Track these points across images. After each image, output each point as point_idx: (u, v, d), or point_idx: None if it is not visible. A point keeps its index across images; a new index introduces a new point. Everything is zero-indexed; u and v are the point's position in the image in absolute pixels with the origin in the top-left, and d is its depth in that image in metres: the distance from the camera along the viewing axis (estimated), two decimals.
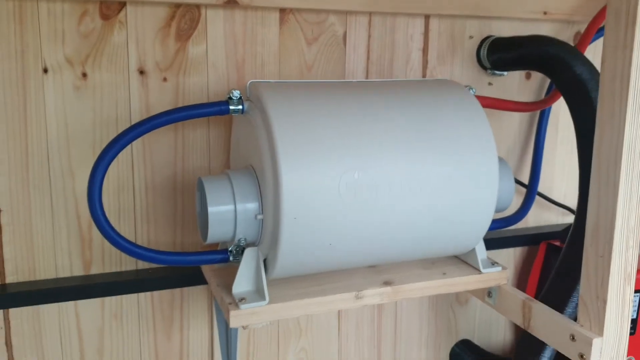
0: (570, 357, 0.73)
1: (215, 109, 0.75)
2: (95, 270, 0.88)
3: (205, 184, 0.72)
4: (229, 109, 0.75)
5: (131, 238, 0.88)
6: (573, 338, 0.72)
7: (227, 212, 0.71)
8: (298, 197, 0.67)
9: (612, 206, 0.67)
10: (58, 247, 0.85)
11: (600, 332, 0.70)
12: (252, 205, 0.72)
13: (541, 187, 1.13)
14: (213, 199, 0.71)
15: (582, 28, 1.11)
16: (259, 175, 0.72)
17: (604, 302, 0.69)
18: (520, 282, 1.17)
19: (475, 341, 1.16)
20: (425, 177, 0.74)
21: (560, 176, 1.16)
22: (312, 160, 0.69)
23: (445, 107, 0.79)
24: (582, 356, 0.71)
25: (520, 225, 1.16)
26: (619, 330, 0.70)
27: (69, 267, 0.86)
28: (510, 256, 1.16)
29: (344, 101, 0.75)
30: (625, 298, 0.70)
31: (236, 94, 0.75)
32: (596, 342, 0.69)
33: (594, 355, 0.69)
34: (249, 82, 0.76)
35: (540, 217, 1.17)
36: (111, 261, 0.88)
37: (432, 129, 0.76)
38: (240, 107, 0.75)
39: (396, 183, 0.72)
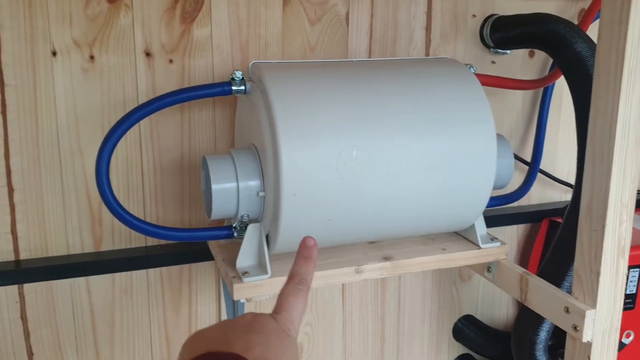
0: (564, 330, 0.75)
1: (218, 90, 0.77)
2: (105, 247, 0.91)
3: (209, 162, 0.74)
4: (231, 89, 0.77)
5: (140, 217, 0.91)
6: (567, 310, 0.74)
7: (230, 190, 0.73)
8: (297, 174, 0.69)
9: (606, 181, 0.68)
10: (69, 224, 0.88)
11: (593, 305, 0.72)
12: (254, 183, 0.74)
13: (544, 165, 1.14)
14: (217, 176, 0.73)
15: (587, 5, 1.11)
16: (261, 154, 0.74)
17: (598, 275, 0.71)
18: (523, 259, 1.19)
19: (478, 317, 1.18)
20: (423, 154, 0.75)
21: (564, 154, 1.17)
22: (311, 138, 0.71)
23: (445, 85, 0.80)
24: (575, 328, 0.72)
25: (523, 202, 1.17)
26: (613, 302, 0.72)
27: (80, 244, 0.89)
28: (514, 233, 1.18)
29: (344, 80, 0.77)
30: (619, 271, 0.71)
31: (238, 74, 0.77)
32: (589, 314, 0.71)
33: (587, 327, 0.71)
34: (251, 63, 0.78)
35: (543, 194, 1.19)
36: (121, 238, 0.91)
37: (430, 107, 0.77)
38: (242, 87, 0.77)
39: (394, 160, 0.74)
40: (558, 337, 0.95)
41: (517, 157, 1.10)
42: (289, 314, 0.50)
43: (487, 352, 1.15)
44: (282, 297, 0.52)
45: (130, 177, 0.89)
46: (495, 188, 0.88)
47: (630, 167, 0.69)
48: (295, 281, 0.53)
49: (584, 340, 0.72)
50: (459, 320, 1.16)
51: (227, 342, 0.44)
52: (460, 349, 1.19)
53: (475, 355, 1.19)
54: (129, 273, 0.92)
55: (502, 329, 1.20)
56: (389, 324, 1.12)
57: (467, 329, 1.15)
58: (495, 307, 1.20)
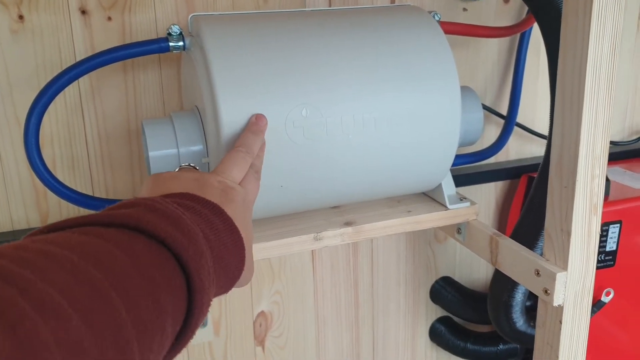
0: (536, 293, 0.70)
1: (154, 47, 0.71)
2: (53, 221, 0.85)
3: (146, 127, 0.68)
4: (168, 46, 0.70)
5: (87, 188, 0.85)
6: (538, 273, 0.69)
7: (169, 156, 0.67)
8: None
9: (576, 132, 0.63)
10: (12, 199, 0.82)
11: (564, 266, 0.67)
12: (196, 148, 0.68)
13: (522, 118, 1.08)
14: (154, 143, 0.67)
15: None
16: (202, 117, 0.68)
17: (568, 234, 0.66)
18: (502, 217, 1.14)
19: (456, 278, 1.14)
20: (379, 110, 0.69)
21: (543, 105, 1.11)
22: (255, 97, 0.64)
23: (404, 35, 0.73)
24: (546, 291, 0.68)
25: (501, 158, 1.11)
26: (585, 263, 0.67)
27: (25, 219, 0.84)
28: (491, 190, 1.12)
29: (293, 32, 0.70)
30: (591, 230, 0.66)
31: (175, 29, 0.70)
32: (560, 276, 0.66)
33: (558, 290, 0.67)
34: (190, 16, 0.71)
35: (523, 149, 1.13)
36: (69, 212, 0.86)
37: (388, 59, 0.71)
38: (181, 43, 0.71)
39: (349, 118, 0.68)
40: (536, 297, 0.91)
41: (491, 111, 1.04)
42: (227, 174, 0.51)
43: (466, 314, 1.11)
44: (222, 161, 0.54)
45: (73, 146, 0.83)
46: (464, 145, 0.82)
47: (603, 116, 0.63)
48: (239, 149, 0.55)
49: (555, 304, 0.67)
50: (437, 282, 1.12)
51: (202, 192, 0.45)
52: (439, 312, 1.15)
53: (454, 318, 1.15)
54: None
55: (481, 290, 1.16)
56: (363, 289, 1.08)
57: (445, 291, 1.11)
58: (474, 268, 1.16)
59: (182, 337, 0.37)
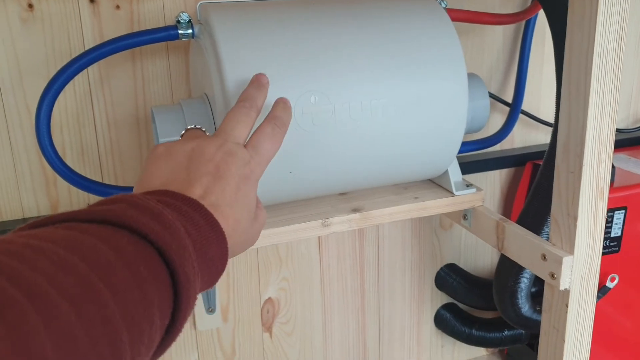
0: (542, 278, 0.71)
1: (162, 35, 0.71)
2: (63, 208, 0.86)
3: (156, 114, 0.69)
4: (177, 33, 0.71)
5: (97, 175, 0.86)
6: (544, 257, 0.70)
7: None
8: None
9: (583, 118, 0.63)
10: (22, 186, 0.83)
11: (571, 250, 0.67)
12: None
13: (527, 105, 1.08)
14: (164, 129, 0.68)
15: None
16: (212, 103, 0.69)
17: (575, 219, 0.66)
18: (507, 204, 1.15)
19: (462, 265, 1.15)
20: (387, 97, 0.70)
21: (548, 93, 1.11)
22: None
23: (410, 22, 0.74)
24: (552, 275, 0.69)
25: (506, 145, 1.12)
26: (591, 247, 0.68)
27: (35, 207, 0.85)
28: (497, 178, 1.13)
29: (301, 19, 0.70)
30: (598, 214, 0.67)
31: (184, 16, 0.71)
32: (566, 260, 0.67)
33: (565, 274, 0.67)
34: (198, 4, 0.71)
35: (528, 136, 1.13)
36: (79, 199, 0.87)
37: (395, 46, 0.71)
38: (190, 31, 0.71)
39: (357, 105, 0.69)
40: (541, 283, 0.92)
41: (496, 98, 1.04)
42: (229, 134, 0.50)
43: (471, 301, 1.12)
44: (224, 119, 0.52)
45: (83, 133, 0.84)
46: (470, 132, 0.83)
47: (609, 102, 0.63)
48: (242, 104, 0.53)
49: (561, 287, 0.68)
50: (442, 269, 1.13)
51: (193, 167, 0.46)
52: (444, 299, 1.16)
53: (459, 305, 1.16)
54: None
55: (486, 277, 1.17)
56: (369, 275, 1.09)
57: (450, 278, 1.12)
58: (479, 254, 1.17)
59: (171, 331, 0.37)
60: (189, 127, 0.54)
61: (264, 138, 0.52)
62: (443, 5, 0.80)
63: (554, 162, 0.70)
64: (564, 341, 0.70)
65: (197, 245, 0.40)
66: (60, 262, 0.30)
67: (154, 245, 0.36)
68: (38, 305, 0.26)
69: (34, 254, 0.29)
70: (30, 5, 0.78)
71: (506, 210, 1.15)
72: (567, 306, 0.69)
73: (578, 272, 0.68)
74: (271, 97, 0.65)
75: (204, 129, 0.54)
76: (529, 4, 1.04)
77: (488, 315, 1.15)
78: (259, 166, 0.51)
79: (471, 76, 0.80)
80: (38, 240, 0.31)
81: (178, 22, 0.71)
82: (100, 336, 0.29)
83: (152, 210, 0.38)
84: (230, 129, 0.50)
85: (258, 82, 0.58)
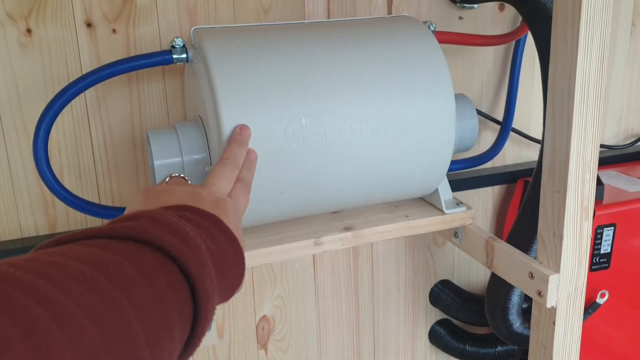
0: (530, 295, 0.72)
1: (157, 59, 0.73)
2: (60, 229, 0.88)
3: (151, 137, 0.70)
4: (172, 58, 0.73)
5: (94, 196, 0.87)
6: (532, 276, 0.71)
7: (174, 165, 0.70)
8: None
9: (566, 139, 0.65)
10: (20, 206, 0.85)
11: (557, 269, 0.69)
12: (199, 157, 0.70)
13: (518, 123, 1.10)
14: (159, 152, 0.69)
15: None
16: (205, 126, 0.70)
17: (561, 238, 0.68)
18: (499, 221, 1.16)
19: (455, 281, 1.16)
20: (376, 119, 0.71)
21: (538, 112, 1.13)
22: (256, 108, 0.67)
23: (399, 45, 0.75)
24: (539, 293, 0.70)
25: (498, 163, 1.14)
26: (577, 266, 0.69)
27: (33, 226, 0.86)
28: (489, 195, 1.14)
29: (292, 43, 0.72)
30: (583, 233, 0.68)
31: (178, 42, 0.73)
32: (552, 279, 0.68)
33: (551, 292, 0.69)
34: (192, 29, 0.73)
35: (519, 154, 1.15)
36: (77, 220, 0.88)
37: (384, 69, 0.73)
38: (184, 55, 0.73)
39: (347, 127, 0.70)
40: (532, 300, 0.93)
41: (487, 117, 1.06)
42: (217, 186, 0.54)
43: (465, 317, 1.13)
44: (210, 174, 0.56)
45: (80, 155, 0.86)
46: (460, 151, 0.85)
47: (592, 123, 0.65)
48: (226, 161, 0.58)
49: (548, 305, 0.69)
50: (436, 285, 1.14)
51: (196, 204, 0.47)
52: (438, 315, 1.17)
53: (453, 320, 1.17)
54: None
55: (479, 293, 1.18)
56: (363, 292, 1.10)
57: (444, 294, 1.13)
58: (473, 270, 1.18)
59: (190, 344, 0.38)
60: (173, 174, 0.56)
61: (239, 194, 0.57)
62: (432, 28, 0.82)
63: (540, 181, 0.71)
64: (551, 358, 0.71)
65: (216, 261, 0.42)
66: (86, 280, 0.30)
67: (176, 261, 0.37)
68: (64, 326, 0.27)
69: (60, 272, 0.30)
70: (29, 30, 0.80)
71: (499, 226, 1.17)
72: (554, 324, 0.70)
73: (564, 290, 0.69)
74: (264, 119, 0.66)
75: (187, 178, 0.57)
76: (519, 23, 1.06)
77: (482, 331, 1.16)
78: (242, 214, 0.56)
79: (459, 97, 0.82)
80: (64, 258, 0.32)
81: (173, 47, 0.72)
82: (123, 354, 0.30)
83: (174, 227, 0.39)
84: (218, 181, 0.55)
85: (241, 139, 0.63)
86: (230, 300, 0.98)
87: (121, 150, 0.87)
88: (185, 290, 0.37)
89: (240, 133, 0.63)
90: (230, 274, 0.44)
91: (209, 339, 1.00)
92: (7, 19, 0.78)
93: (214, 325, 1.00)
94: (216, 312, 0.99)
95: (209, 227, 0.44)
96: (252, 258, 0.74)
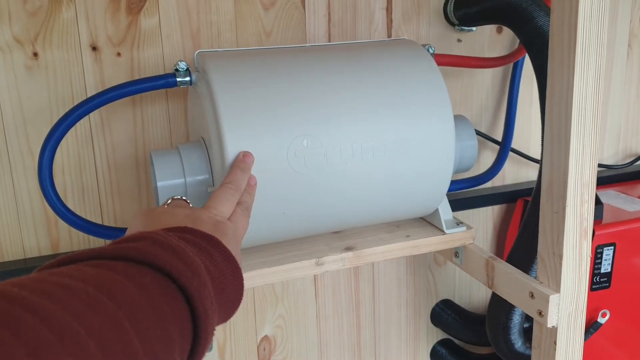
0: (531, 315, 0.73)
1: (162, 82, 0.74)
2: (63, 249, 0.88)
3: (155, 158, 0.71)
4: (176, 81, 0.74)
5: (97, 216, 0.88)
6: (532, 295, 0.71)
7: (177, 186, 0.70)
8: None
9: (564, 160, 0.66)
10: (24, 227, 0.86)
11: (557, 289, 0.69)
12: (202, 178, 0.71)
13: (518, 144, 1.11)
14: (162, 173, 0.70)
15: None
16: (208, 147, 0.71)
17: (560, 257, 0.68)
18: (500, 240, 1.17)
19: (456, 301, 1.16)
20: (377, 140, 0.72)
21: (537, 133, 1.14)
22: (258, 129, 0.68)
23: (398, 67, 0.77)
24: (540, 313, 0.70)
25: (497, 182, 1.14)
26: (577, 285, 0.70)
27: (36, 247, 0.87)
28: (489, 214, 1.15)
29: (294, 66, 0.74)
30: (582, 253, 0.69)
31: (182, 65, 0.74)
32: (553, 298, 0.69)
33: (552, 311, 0.69)
34: (196, 53, 0.75)
35: (519, 173, 1.16)
36: (79, 240, 0.89)
37: (383, 91, 0.74)
38: (187, 78, 0.74)
39: (347, 148, 0.71)
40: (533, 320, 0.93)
41: (486, 137, 1.07)
42: (218, 210, 0.55)
43: (466, 336, 1.13)
44: (211, 197, 0.57)
45: (84, 175, 0.86)
46: (460, 171, 0.86)
47: (590, 144, 0.66)
48: (228, 185, 0.59)
49: (549, 325, 0.70)
50: (437, 305, 1.14)
51: (196, 226, 0.48)
52: (439, 335, 1.17)
53: (454, 340, 1.17)
54: None
55: (480, 313, 1.18)
56: (364, 312, 1.10)
57: (445, 314, 1.13)
58: (474, 290, 1.18)
59: None
60: (175, 197, 0.58)
61: (239, 217, 0.58)
62: (431, 51, 0.83)
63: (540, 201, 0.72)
64: None
65: (215, 282, 0.43)
66: (90, 301, 0.32)
67: (176, 282, 0.38)
68: (69, 346, 0.28)
69: (65, 293, 0.31)
70: (35, 54, 0.81)
71: (499, 245, 1.17)
72: (555, 343, 0.70)
73: (565, 309, 0.70)
74: (266, 141, 0.67)
75: (188, 201, 0.59)
76: (516, 44, 1.08)
77: (483, 350, 1.16)
78: (241, 237, 0.57)
79: (458, 118, 0.83)
80: (69, 278, 0.33)
81: (176, 70, 0.74)
82: None
83: (174, 248, 0.40)
84: (219, 204, 0.56)
85: (244, 165, 0.64)
86: (232, 320, 0.99)
87: (124, 171, 0.88)
88: (185, 310, 0.38)
89: (243, 159, 0.64)
90: (229, 294, 0.45)
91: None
92: (14, 43, 0.79)
93: (215, 345, 1.00)
94: (217, 332, 1.00)
95: (208, 248, 0.45)
96: (253, 278, 0.74)
